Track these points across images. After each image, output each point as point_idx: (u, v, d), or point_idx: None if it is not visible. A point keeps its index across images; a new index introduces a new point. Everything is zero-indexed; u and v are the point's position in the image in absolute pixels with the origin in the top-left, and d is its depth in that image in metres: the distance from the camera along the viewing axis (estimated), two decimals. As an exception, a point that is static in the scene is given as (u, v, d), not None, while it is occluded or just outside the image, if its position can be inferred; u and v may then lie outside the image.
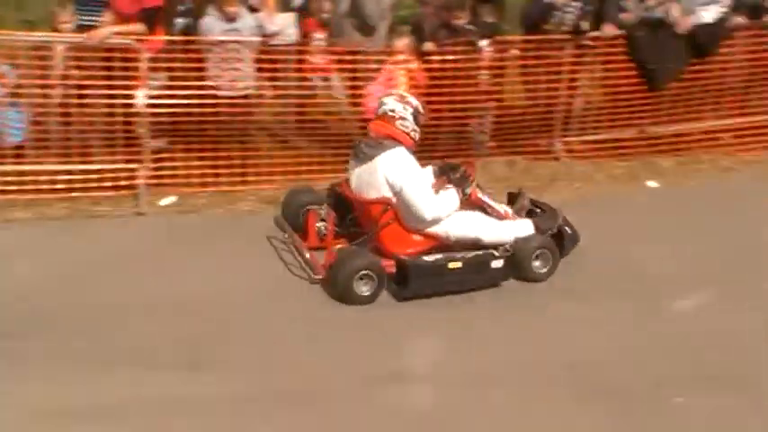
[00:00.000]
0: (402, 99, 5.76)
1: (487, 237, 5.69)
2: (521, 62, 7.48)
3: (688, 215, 6.77)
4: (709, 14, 7.65)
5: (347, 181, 5.85)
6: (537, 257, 5.68)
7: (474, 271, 5.51)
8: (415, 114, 5.71)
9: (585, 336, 5.00)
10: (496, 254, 5.58)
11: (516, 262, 5.60)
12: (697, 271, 5.84)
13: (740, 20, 7.76)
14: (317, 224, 5.96)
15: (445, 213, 5.61)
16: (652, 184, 7.46)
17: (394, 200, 5.55)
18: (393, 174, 5.51)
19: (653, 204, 7.09)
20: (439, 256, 5.50)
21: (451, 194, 5.66)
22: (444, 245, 5.66)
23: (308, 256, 5.71)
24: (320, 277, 5.47)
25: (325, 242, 5.75)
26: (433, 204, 5.56)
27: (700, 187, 7.41)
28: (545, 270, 5.71)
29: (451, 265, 5.45)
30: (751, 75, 7.95)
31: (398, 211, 5.57)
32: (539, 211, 6.01)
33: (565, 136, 7.72)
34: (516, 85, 7.61)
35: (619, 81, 7.61)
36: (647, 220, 6.74)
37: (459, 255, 5.52)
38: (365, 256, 5.47)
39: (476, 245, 5.65)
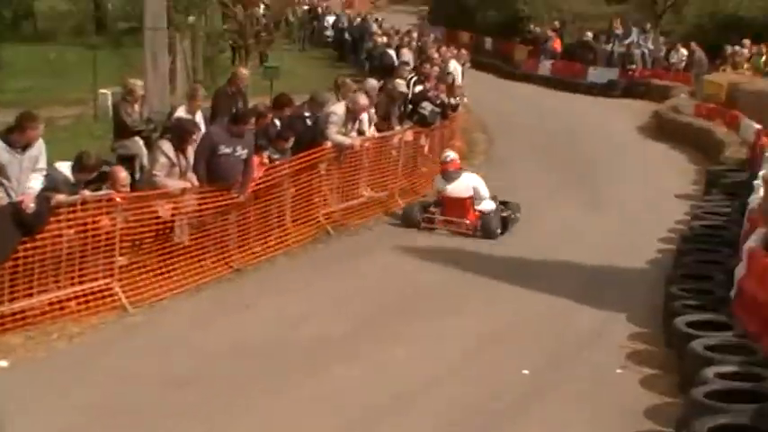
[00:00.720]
0: (453, 150, 13.02)
1: (494, 206, 11.87)
2: None
3: (42, 388, 6.69)
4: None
5: (441, 193, 11.95)
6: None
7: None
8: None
9: None
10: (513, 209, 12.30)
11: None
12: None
13: (62, 197, 8.03)
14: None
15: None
16: (2, 363, 7.18)
17: (472, 194, 11.72)
18: (475, 182, 11.89)
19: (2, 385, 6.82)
20: (504, 214, 11.89)
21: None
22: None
23: (468, 222, 11.72)
24: (471, 233, 11.54)
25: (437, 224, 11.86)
26: (488, 192, 11.89)
27: (50, 359, 7.35)
28: (519, 214, 12.24)
29: (510, 216, 12.04)
30: (83, 245, 8.23)
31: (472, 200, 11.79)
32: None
33: None
34: None
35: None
36: None
37: (504, 213, 11.91)
38: (496, 216, 11.70)
39: (490, 212, 11.72)
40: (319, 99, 11.90)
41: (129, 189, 8.70)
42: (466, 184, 11.78)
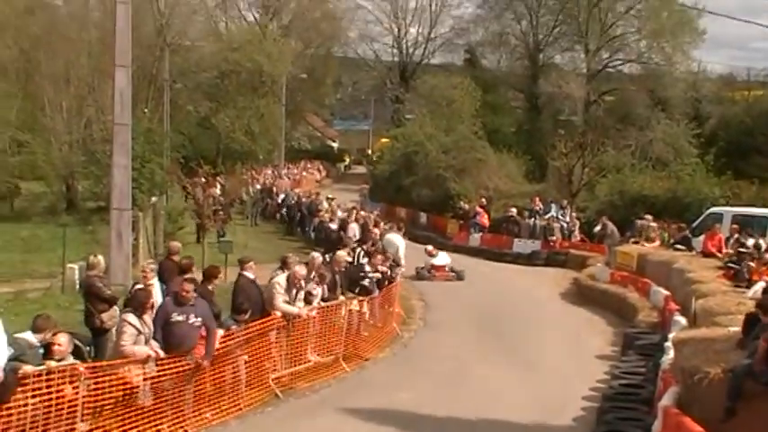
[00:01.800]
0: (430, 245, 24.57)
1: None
2: None
3: None
4: None
5: (432, 264, 22.51)
6: None
7: None
8: None
9: None
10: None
11: None
12: None
13: (29, 368, 7.89)
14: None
15: None
16: None
17: (447, 262, 23.18)
18: (447, 257, 23.45)
19: None
20: (459, 269, 23.13)
21: None
22: None
23: (452, 274, 22.74)
24: (453, 279, 22.43)
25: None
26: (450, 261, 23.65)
27: None
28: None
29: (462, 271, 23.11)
30: (46, 413, 8.02)
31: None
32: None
33: None
34: None
35: None
36: None
37: (460, 269, 22.98)
38: (461, 271, 22.84)
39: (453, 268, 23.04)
40: (245, 259, 12.31)
41: (65, 350, 8.55)
42: (443, 258, 22.82)
